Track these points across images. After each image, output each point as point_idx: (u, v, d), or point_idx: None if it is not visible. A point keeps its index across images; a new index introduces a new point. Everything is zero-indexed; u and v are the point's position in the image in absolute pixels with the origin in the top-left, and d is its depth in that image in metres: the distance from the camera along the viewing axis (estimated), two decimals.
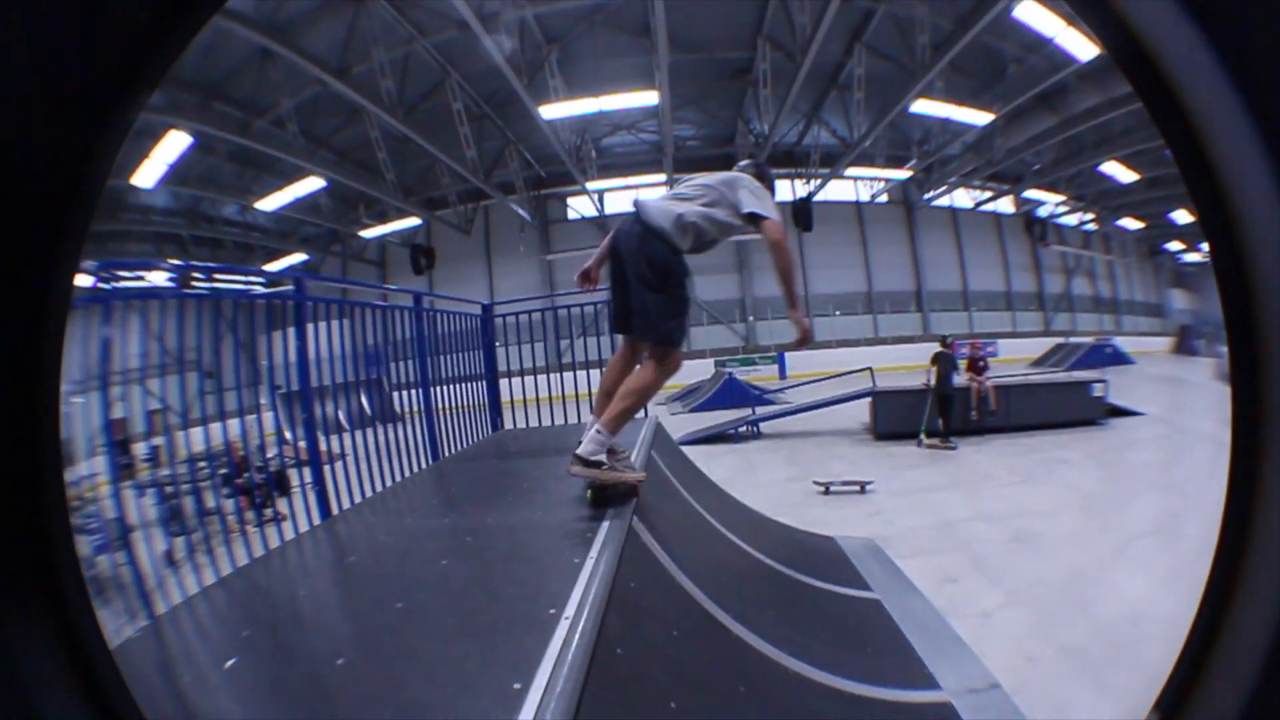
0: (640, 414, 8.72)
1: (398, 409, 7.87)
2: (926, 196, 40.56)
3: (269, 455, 8.46)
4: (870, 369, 19.55)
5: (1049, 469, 13.49)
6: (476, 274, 39.63)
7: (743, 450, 17.59)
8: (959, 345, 18.09)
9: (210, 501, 7.00)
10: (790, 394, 23.83)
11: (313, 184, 28.47)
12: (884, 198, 41.70)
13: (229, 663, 3.08)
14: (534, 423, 9.97)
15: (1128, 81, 1.22)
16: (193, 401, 5.61)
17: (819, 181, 35.18)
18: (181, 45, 1.29)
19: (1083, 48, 20.25)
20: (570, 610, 3.08)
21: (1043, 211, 44.59)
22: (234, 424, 6.31)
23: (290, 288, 6.20)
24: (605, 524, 4.28)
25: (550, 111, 22.83)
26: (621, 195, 36.86)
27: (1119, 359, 32.06)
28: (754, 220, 4.69)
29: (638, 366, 4.87)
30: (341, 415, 7.96)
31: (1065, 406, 17.92)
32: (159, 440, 9.51)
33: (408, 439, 7.25)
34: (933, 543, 9.40)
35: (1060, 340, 36.77)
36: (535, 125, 24.64)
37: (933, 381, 17.08)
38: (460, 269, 39.31)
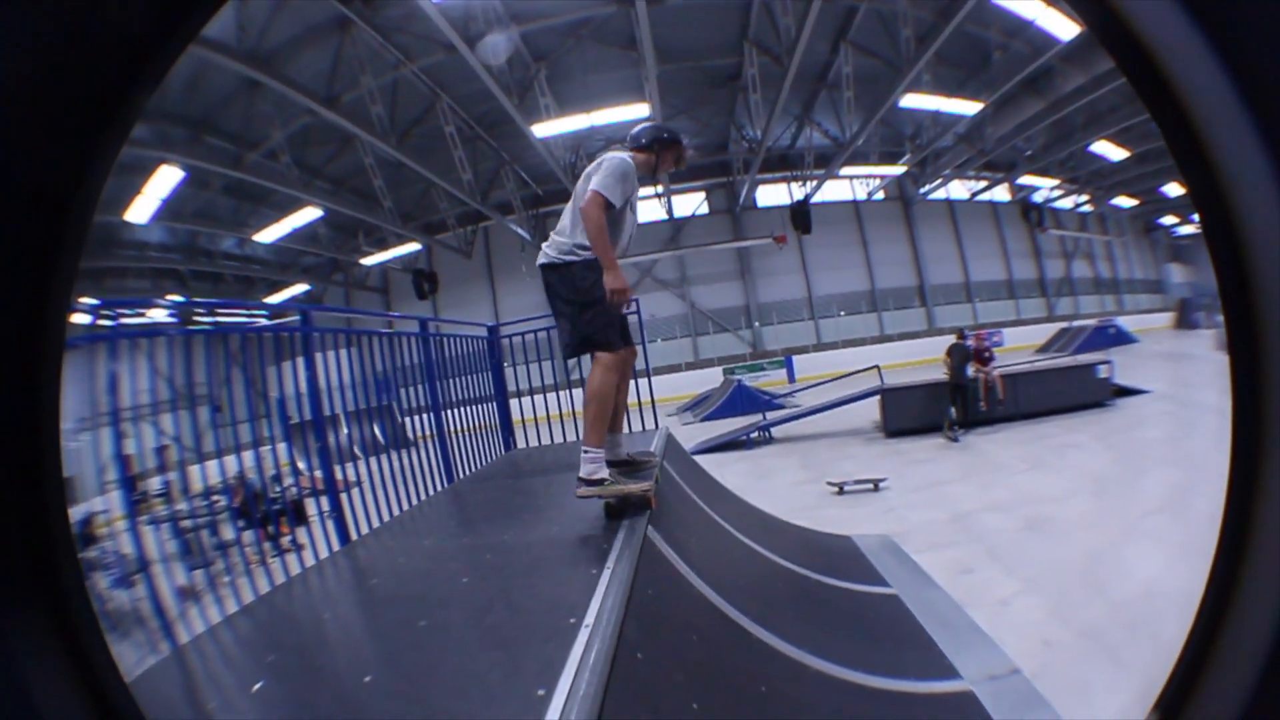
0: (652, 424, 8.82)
1: (410, 435, 7.90)
2: (923, 190, 40.49)
3: (286, 485, 8.49)
4: (878, 367, 19.64)
5: (1059, 454, 13.53)
6: (480, 296, 39.49)
7: (755, 456, 17.60)
8: (968, 336, 18.05)
9: (228, 534, 7.04)
10: (800, 397, 23.87)
11: (310, 214, 28.33)
12: (880, 195, 41.69)
13: (256, 686, 3.12)
14: (545, 440, 10.00)
15: (1123, 74, 1.22)
16: (203, 434, 5.64)
17: (815, 183, 35.07)
18: (180, 48, 1.31)
19: (1063, 28, 20.28)
20: (590, 619, 3.14)
21: (1038, 197, 44.49)
22: (247, 456, 6.36)
23: (296, 319, 6.25)
24: (620, 535, 4.34)
25: (543, 130, 22.77)
26: None
27: (1123, 339, 32.10)
28: None
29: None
30: (354, 444, 7.99)
31: (1072, 390, 17.96)
32: (171, 475, 9.56)
33: (422, 464, 7.29)
34: (947, 535, 9.43)
35: (1064, 324, 36.62)
36: (529, 144, 24.62)
37: (948, 374, 17.19)
38: (464, 292, 39.17)
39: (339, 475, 5.99)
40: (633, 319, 6.15)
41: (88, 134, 1.20)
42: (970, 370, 17.41)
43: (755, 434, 19.15)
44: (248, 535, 6.74)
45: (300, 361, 6.00)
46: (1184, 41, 1.07)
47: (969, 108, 26.31)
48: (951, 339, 18.01)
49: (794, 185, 37.58)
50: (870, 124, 26.41)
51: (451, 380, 8.66)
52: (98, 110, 1.20)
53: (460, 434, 8.52)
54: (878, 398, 18.42)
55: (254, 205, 28.37)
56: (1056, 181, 42.70)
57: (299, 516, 8.76)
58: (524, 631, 3.24)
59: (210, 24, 1.51)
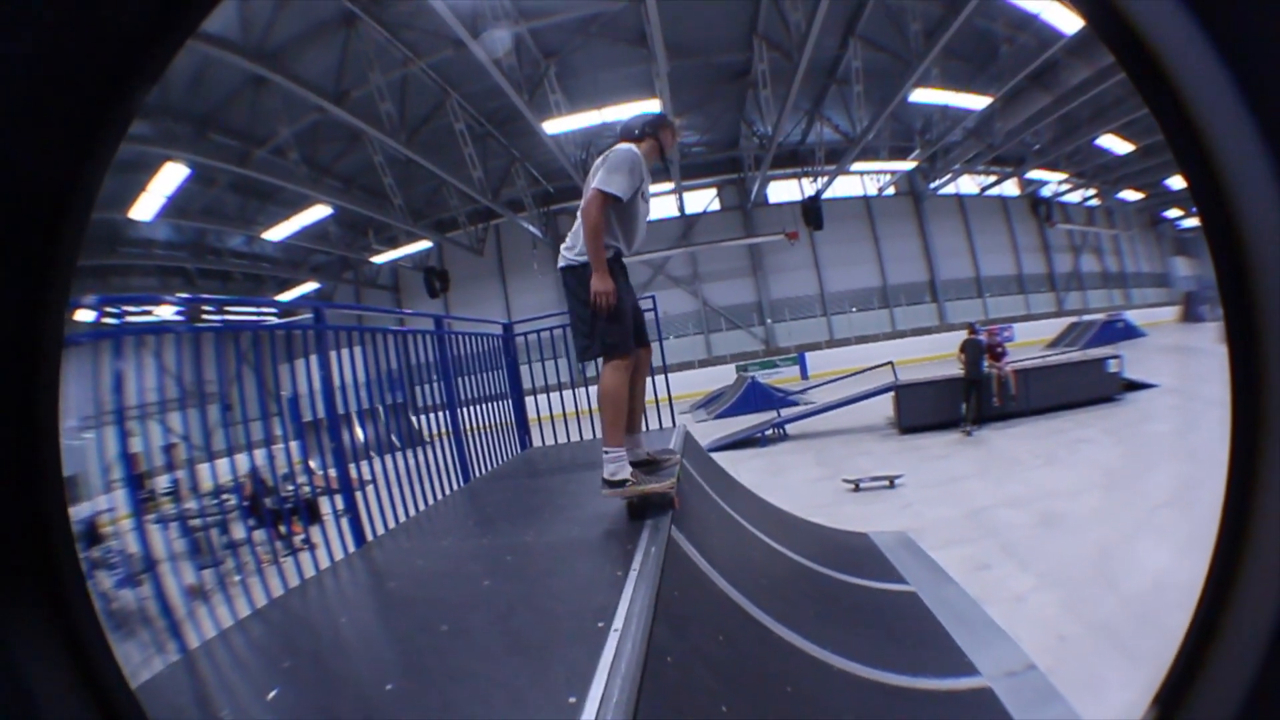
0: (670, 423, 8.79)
1: (425, 433, 7.87)
2: (933, 185, 40.44)
3: (299, 483, 8.46)
4: (891, 363, 19.45)
5: (1071, 449, 13.53)
6: (492, 294, 39.46)
7: (770, 453, 17.57)
8: (979, 331, 17.98)
9: (238, 532, 7.04)
10: (813, 394, 23.81)
11: (319, 212, 28.21)
12: (891, 190, 41.58)
13: (271, 694, 3.07)
14: (562, 438, 10.01)
15: (1123, 71, 1.23)
16: (213, 431, 5.62)
17: (826, 179, 34.97)
18: (179, 42, 1.30)
19: (1066, 21, 20.26)
20: (619, 623, 3.09)
21: (1047, 191, 44.49)
22: (258, 454, 6.32)
23: (309, 316, 6.20)
24: (645, 535, 4.29)
25: (553, 126, 22.72)
26: None
27: (1131, 333, 32.12)
28: None
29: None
30: (368, 442, 7.96)
31: (1083, 385, 17.96)
32: (180, 473, 9.53)
33: (437, 462, 7.29)
34: (964, 532, 9.40)
35: (1074, 319, 36.39)
36: (539, 141, 24.52)
37: (963, 369, 17.19)
38: (476, 290, 39.14)
39: (353, 474, 5.95)
40: (649, 316, 6.13)
41: (86, 129, 1.19)
42: (984, 365, 17.34)
43: (770, 431, 19.07)
44: (259, 534, 6.71)
45: (313, 360, 5.96)
46: (1184, 39, 1.07)
47: (978, 102, 26.32)
48: (964, 334, 17.92)
49: (805, 181, 37.53)
50: (880, 119, 26.30)
51: (467, 378, 8.63)
52: (96, 105, 1.19)
53: (475, 432, 8.50)
54: (892, 394, 18.33)
55: (262, 203, 28.25)
56: (1064, 176, 42.67)
57: (312, 515, 8.77)
58: (550, 636, 3.18)
59: (211, 19, 1.46)
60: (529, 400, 10.20)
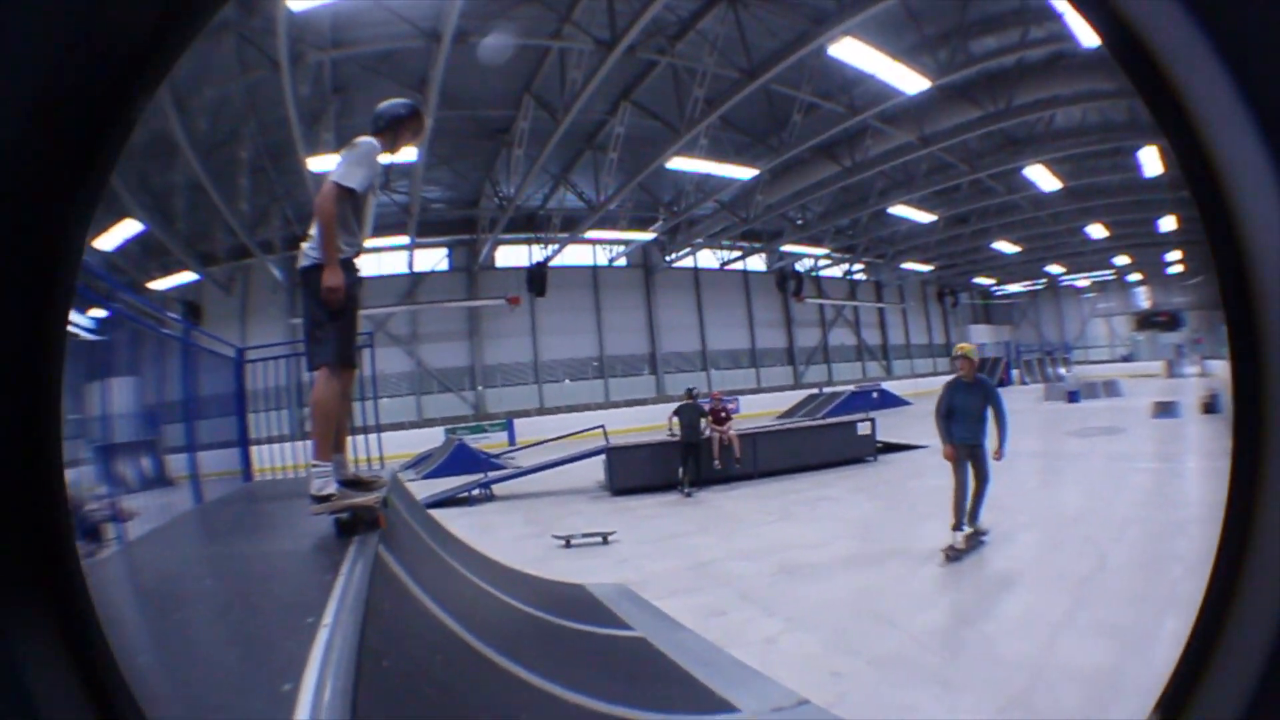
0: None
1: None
2: (670, 259, 41.45)
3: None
4: (603, 427, 19.58)
5: (810, 506, 14.00)
6: (232, 336, 37.47)
7: (478, 512, 17.27)
8: (701, 399, 18.46)
9: None
10: (521, 457, 23.56)
11: (130, 228, 25.84)
12: (623, 261, 42.16)
13: None
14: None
15: (1126, 78, 1.24)
16: None
17: (557, 246, 35.54)
18: (182, 46, 1.32)
19: (910, 82, 20.30)
20: (329, 618, 3.08)
21: (801, 266, 46.23)
22: None
23: None
24: (353, 549, 4.30)
25: (317, 164, 21.98)
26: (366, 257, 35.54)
27: (888, 401, 33.79)
28: None
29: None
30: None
31: (828, 447, 18.76)
32: None
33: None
34: (690, 582, 9.41)
35: (813, 391, 37.93)
36: (299, 180, 23.55)
37: (678, 432, 17.40)
38: (220, 330, 37.03)
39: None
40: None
41: (90, 134, 1.21)
42: (706, 428, 17.69)
43: (477, 491, 18.85)
44: None
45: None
46: (1187, 43, 1.08)
47: (744, 172, 26.54)
48: (670, 407, 18.41)
49: (535, 247, 37.84)
50: (628, 187, 26.91)
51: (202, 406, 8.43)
52: (100, 110, 1.21)
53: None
54: (603, 457, 18.44)
55: None
56: (825, 250, 44.38)
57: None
58: (263, 630, 3.18)
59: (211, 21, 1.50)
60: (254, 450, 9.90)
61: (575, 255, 40.03)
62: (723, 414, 18.39)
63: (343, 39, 18.89)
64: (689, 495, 16.58)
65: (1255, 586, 1.12)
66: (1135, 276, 56.19)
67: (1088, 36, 15.98)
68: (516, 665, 4.56)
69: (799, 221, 38.41)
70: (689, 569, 10.11)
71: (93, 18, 1.12)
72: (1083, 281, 58.86)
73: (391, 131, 5.07)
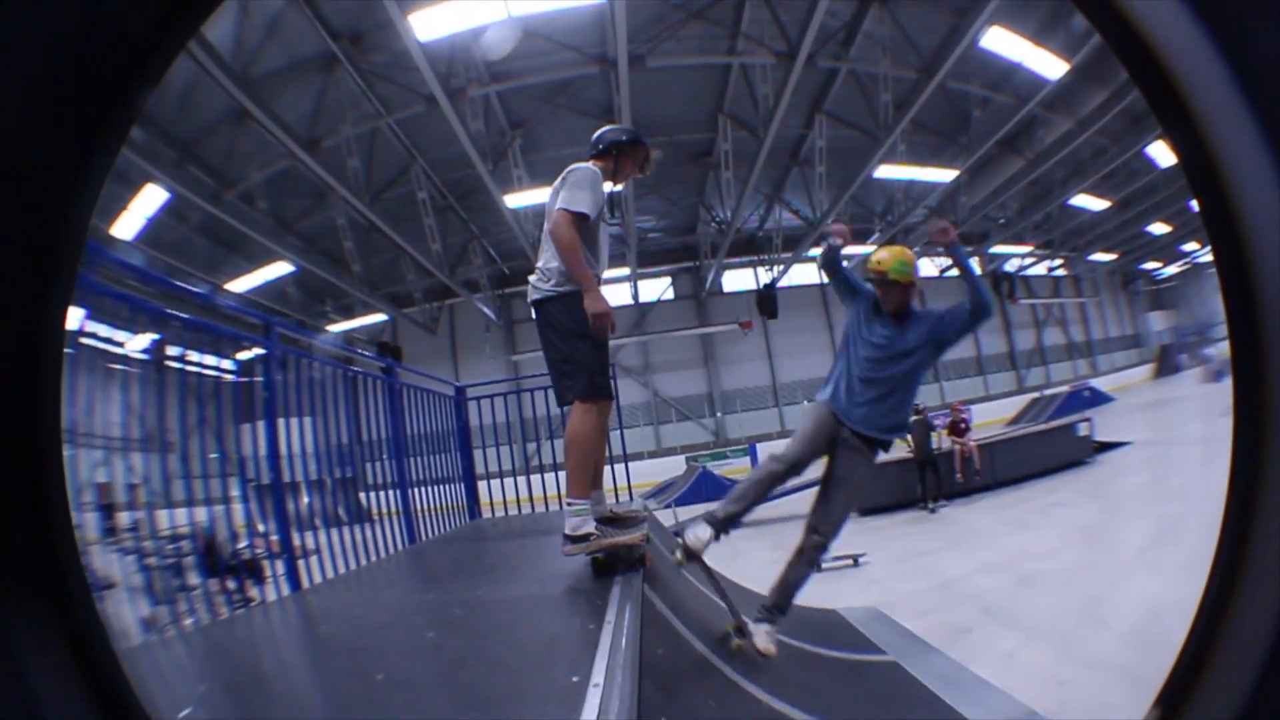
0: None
1: (374, 511, 7.69)
2: None
3: (246, 544, 8.27)
4: None
5: (1043, 513, 13.62)
6: (443, 374, 38.76)
7: (724, 540, 17.09)
8: (932, 415, 18.20)
9: (192, 579, 6.89)
10: None
11: (281, 269, 27.41)
12: None
13: (184, 713, 2.73)
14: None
15: (1131, 78, 1.23)
16: (171, 481, 5.48)
17: (782, 267, 35.11)
18: (180, 44, 1.32)
19: (1051, 66, 19.88)
20: (599, 677, 2.68)
21: (1010, 266, 44.72)
22: (214, 510, 6.20)
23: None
24: (616, 590, 3.97)
25: (514, 200, 22.43)
26: None
27: (1098, 400, 32.32)
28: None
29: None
30: (314, 513, 7.78)
31: (1052, 452, 18.11)
32: (140, 514, 9.41)
33: (382, 530, 6.99)
34: (938, 602, 9.32)
35: (1035, 395, 36.61)
36: (499, 218, 24.16)
37: (913, 450, 17.05)
38: (427, 369, 38.31)
39: (296, 541, 5.73)
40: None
41: (88, 131, 1.20)
42: (947, 441, 17.35)
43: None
44: (210, 583, 6.54)
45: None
46: (1190, 42, 1.07)
47: (944, 175, 26.36)
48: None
49: (761, 269, 37.42)
50: (841, 201, 26.44)
51: (415, 442, 8.35)
52: (98, 107, 1.20)
53: (424, 503, 8.28)
54: None
55: (228, 252, 27.56)
56: (1029, 248, 42.95)
57: (256, 574, 8.55)
58: (511, 691, 2.78)
59: (210, 23, 1.57)
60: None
61: (802, 275, 39.29)
62: (961, 425, 18.00)
63: (500, 71, 18.84)
64: (933, 511, 16.26)
65: (1255, 583, 1.12)
66: None
67: None
68: (782, 702, 4.37)
69: (1001, 221, 37.12)
70: (937, 586, 10.09)
71: (91, 16, 1.12)
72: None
73: (611, 157, 4.85)
